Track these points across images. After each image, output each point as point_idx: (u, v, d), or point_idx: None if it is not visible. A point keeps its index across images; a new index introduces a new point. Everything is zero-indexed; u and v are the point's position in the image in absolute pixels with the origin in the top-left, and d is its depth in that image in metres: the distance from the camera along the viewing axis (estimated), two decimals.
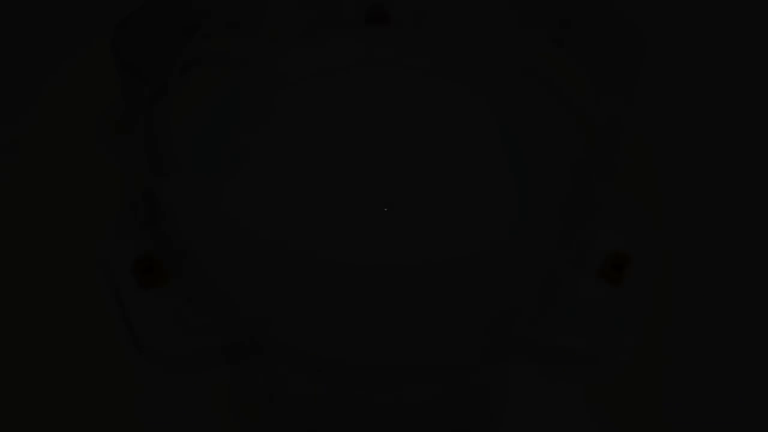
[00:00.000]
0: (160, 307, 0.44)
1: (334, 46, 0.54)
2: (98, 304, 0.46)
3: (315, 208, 0.47)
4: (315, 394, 0.39)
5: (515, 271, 0.41)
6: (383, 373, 0.39)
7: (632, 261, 0.46)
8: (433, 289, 0.41)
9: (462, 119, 0.51)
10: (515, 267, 0.42)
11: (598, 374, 0.45)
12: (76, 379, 0.44)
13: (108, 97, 0.54)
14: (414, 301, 0.41)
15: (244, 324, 0.43)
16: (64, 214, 0.50)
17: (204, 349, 0.43)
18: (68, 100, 0.55)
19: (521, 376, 0.44)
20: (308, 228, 0.46)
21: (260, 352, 0.41)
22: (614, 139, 0.44)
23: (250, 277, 0.43)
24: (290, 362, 0.39)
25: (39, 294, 0.47)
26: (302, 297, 0.40)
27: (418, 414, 0.40)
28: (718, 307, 0.47)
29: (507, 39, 0.54)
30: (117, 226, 0.46)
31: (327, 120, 0.51)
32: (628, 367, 0.45)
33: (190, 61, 0.54)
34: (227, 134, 0.50)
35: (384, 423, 0.40)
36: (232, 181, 0.48)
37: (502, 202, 0.47)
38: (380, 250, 0.46)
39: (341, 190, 0.48)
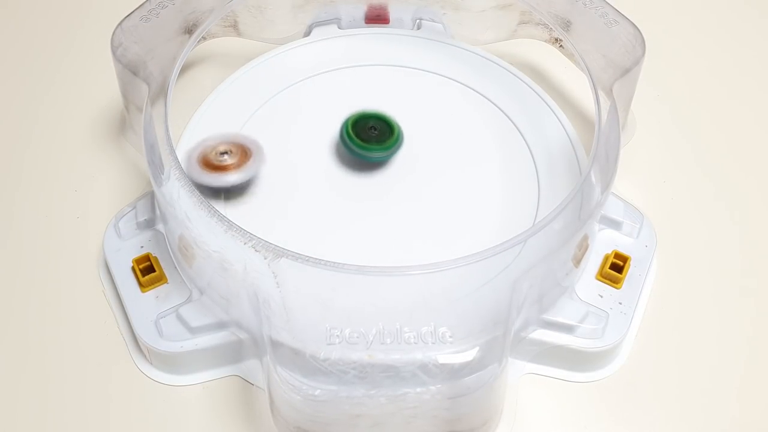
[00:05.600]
0: (160, 307, 0.44)
1: (334, 46, 0.54)
2: (98, 304, 0.46)
3: (315, 208, 0.47)
4: (314, 395, 0.39)
5: (516, 270, 0.41)
6: (383, 373, 0.39)
7: (631, 262, 0.46)
8: (434, 289, 0.41)
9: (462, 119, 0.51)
10: (515, 267, 0.42)
11: (598, 374, 0.45)
12: (76, 379, 0.44)
13: (108, 98, 0.54)
14: (414, 299, 0.41)
15: (244, 324, 0.43)
16: (63, 213, 0.50)
17: (204, 348, 0.43)
18: (68, 100, 0.55)
19: (521, 376, 0.44)
20: (308, 229, 0.47)
21: (260, 352, 0.41)
22: (614, 139, 0.44)
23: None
24: (290, 362, 0.39)
25: (39, 294, 0.47)
26: (301, 297, 0.40)
27: (418, 414, 0.40)
28: (717, 306, 0.47)
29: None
30: (117, 226, 0.46)
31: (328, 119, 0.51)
32: (628, 367, 0.45)
33: (191, 59, 0.55)
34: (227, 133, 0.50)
35: (384, 423, 0.40)
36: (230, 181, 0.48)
37: (500, 203, 0.48)
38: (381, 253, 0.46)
39: (341, 191, 0.48)
